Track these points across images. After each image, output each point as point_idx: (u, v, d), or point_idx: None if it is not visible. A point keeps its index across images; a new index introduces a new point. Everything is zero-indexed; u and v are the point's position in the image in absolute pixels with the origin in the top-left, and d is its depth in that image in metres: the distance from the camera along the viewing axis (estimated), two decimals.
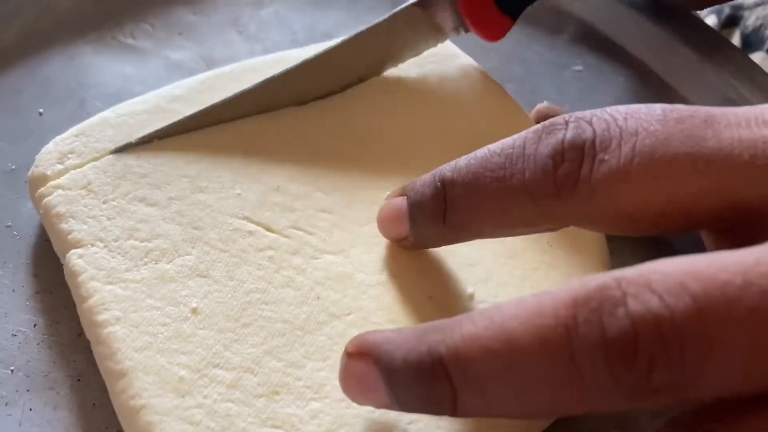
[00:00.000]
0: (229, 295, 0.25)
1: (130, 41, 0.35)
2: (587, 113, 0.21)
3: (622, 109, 0.21)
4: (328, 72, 0.30)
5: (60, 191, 0.26)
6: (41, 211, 0.26)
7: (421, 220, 0.24)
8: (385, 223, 0.26)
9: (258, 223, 0.26)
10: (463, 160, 0.23)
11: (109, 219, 0.26)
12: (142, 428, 0.22)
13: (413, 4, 0.30)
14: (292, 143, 0.28)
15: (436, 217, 0.23)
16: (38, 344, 0.25)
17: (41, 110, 0.32)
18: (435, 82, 0.31)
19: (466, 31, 0.31)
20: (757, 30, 0.38)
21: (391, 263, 0.26)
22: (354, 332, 0.24)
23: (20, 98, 0.32)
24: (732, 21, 0.40)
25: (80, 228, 0.25)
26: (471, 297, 0.25)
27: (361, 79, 0.30)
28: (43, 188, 0.26)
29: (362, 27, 0.30)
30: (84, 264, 0.25)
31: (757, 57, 0.37)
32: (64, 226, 0.25)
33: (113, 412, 0.23)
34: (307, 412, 0.23)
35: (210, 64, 0.34)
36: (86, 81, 0.33)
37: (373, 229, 0.26)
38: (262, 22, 0.36)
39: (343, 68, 0.30)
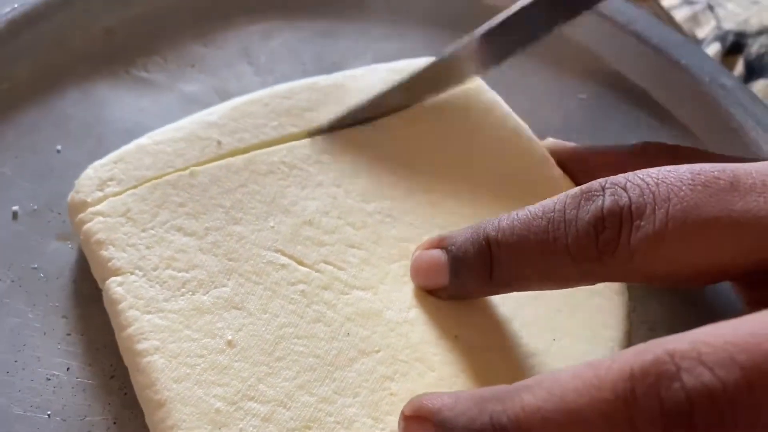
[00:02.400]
0: (263, 328, 0.26)
1: (143, 74, 0.35)
2: (621, 178, 0.23)
3: (653, 173, 0.23)
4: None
5: (100, 218, 0.28)
6: (81, 237, 0.29)
7: (465, 275, 0.27)
8: (421, 273, 0.28)
9: (291, 257, 0.28)
10: (505, 220, 0.25)
11: (147, 248, 0.28)
12: None
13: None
14: (323, 175, 0.31)
15: (482, 273, 0.26)
16: (72, 388, 0.27)
17: (59, 147, 0.33)
18: (460, 116, 0.34)
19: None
20: (761, 57, 0.40)
21: (418, 302, 0.28)
22: (382, 370, 0.26)
23: (38, 135, 0.33)
24: (736, 48, 0.43)
25: (120, 256, 0.27)
26: (497, 337, 0.28)
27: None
28: (83, 214, 0.29)
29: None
30: (123, 292, 0.27)
31: (760, 84, 0.39)
32: (104, 253, 0.28)
33: None
34: None
35: (223, 96, 0.35)
36: (102, 116, 0.34)
37: (402, 267, 0.29)
38: (273, 53, 0.37)
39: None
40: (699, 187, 0.22)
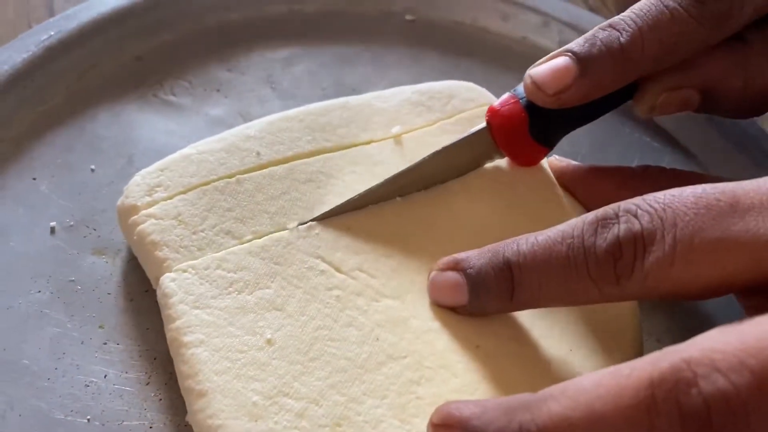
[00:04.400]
0: (300, 330, 0.28)
1: (170, 98, 0.37)
2: (632, 205, 0.25)
3: (660, 198, 0.25)
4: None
5: (153, 220, 0.30)
6: (135, 237, 0.31)
7: (486, 298, 0.29)
8: (441, 294, 0.30)
9: (330, 264, 0.30)
10: (524, 245, 0.27)
11: (199, 249, 0.30)
12: None
13: (459, 142, 0.33)
14: (359, 185, 0.33)
15: (503, 295, 0.28)
16: (110, 394, 0.29)
17: (93, 167, 0.34)
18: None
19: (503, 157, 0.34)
20: None
21: (441, 312, 0.30)
22: (409, 374, 0.28)
23: (73, 155, 0.35)
24: None
25: (175, 256, 0.29)
26: (515, 347, 0.29)
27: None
28: (135, 216, 0.31)
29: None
30: (176, 287, 0.29)
31: None
32: (159, 254, 0.30)
33: None
34: None
35: (248, 119, 0.38)
36: (133, 137, 0.36)
37: (427, 278, 0.31)
38: (294, 78, 0.40)
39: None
40: (702, 211, 0.24)
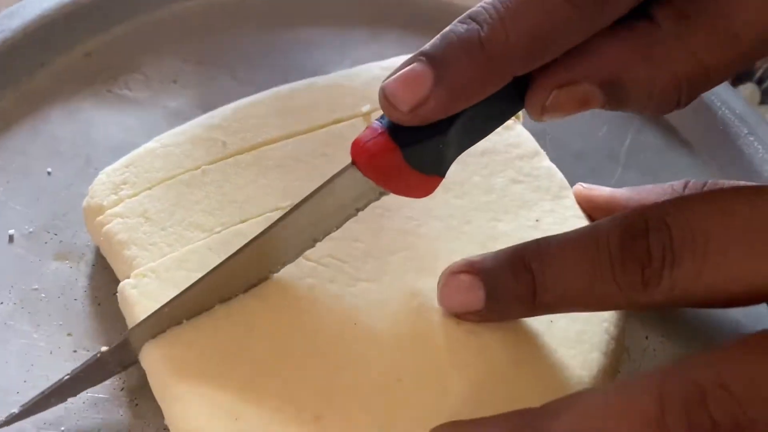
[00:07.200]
0: (274, 323, 0.27)
1: (126, 93, 0.36)
2: (662, 214, 0.24)
3: (690, 206, 0.24)
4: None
5: (119, 219, 0.29)
6: (101, 239, 0.30)
7: (507, 302, 0.27)
8: (453, 299, 0.28)
9: None
10: (546, 249, 0.26)
11: (168, 245, 0.29)
12: None
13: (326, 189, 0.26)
14: (328, 167, 0.31)
15: (525, 299, 0.27)
16: (84, 403, 0.28)
17: (49, 169, 0.33)
18: None
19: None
20: None
21: (420, 291, 0.29)
22: (392, 357, 0.27)
23: (27, 158, 0.34)
24: None
25: (143, 254, 0.29)
26: (496, 323, 0.29)
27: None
28: (101, 217, 0.30)
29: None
30: (138, 294, 0.28)
31: (747, 88, 0.40)
32: (127, 252, 0.29)
33: None
34: None
35: (207, 110, 0.37)
36: (90, 136, 0.35)
37: (401, 258, 0.30)
38: (252, 65, 0.38)
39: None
40: (737, 222, 0.23)
